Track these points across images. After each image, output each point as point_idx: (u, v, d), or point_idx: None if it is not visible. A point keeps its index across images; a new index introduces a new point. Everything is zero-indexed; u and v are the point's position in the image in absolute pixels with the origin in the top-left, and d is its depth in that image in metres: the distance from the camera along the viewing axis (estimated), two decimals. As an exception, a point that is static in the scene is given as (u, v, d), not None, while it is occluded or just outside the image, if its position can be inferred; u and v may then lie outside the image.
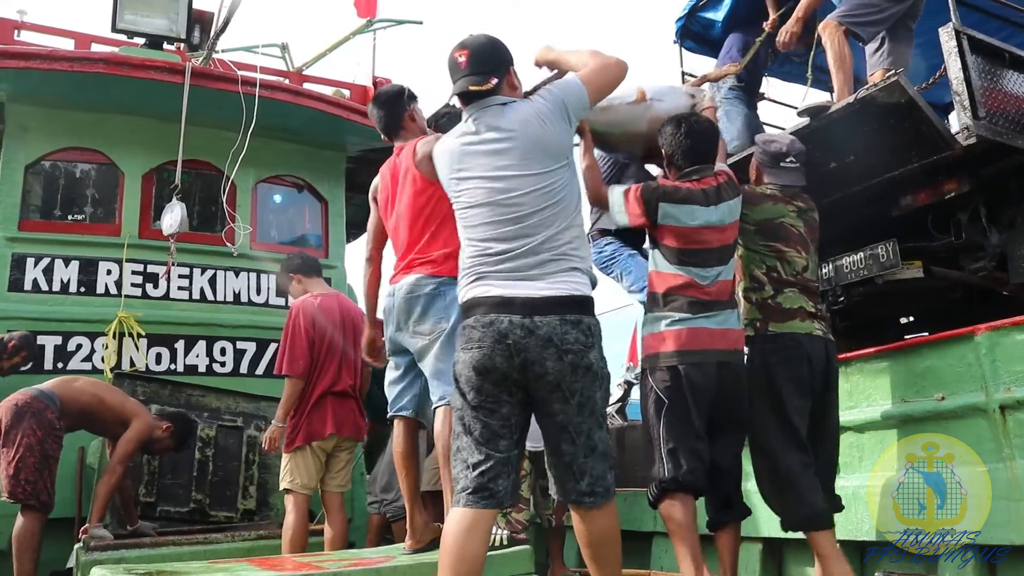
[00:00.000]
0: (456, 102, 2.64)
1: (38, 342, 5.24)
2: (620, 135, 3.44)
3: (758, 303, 3.23)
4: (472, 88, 2.53)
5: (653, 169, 4.10)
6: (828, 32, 4.10)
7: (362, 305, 4.29)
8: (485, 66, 2.54)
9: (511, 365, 2.39)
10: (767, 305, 3.21)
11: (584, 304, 2.48)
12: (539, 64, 2.85)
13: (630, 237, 4.18)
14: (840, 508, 3.17)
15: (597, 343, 2.48)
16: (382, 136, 3.49)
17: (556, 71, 2.79)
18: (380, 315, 3.45)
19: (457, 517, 2.42)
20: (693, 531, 2.98)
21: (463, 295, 2.55)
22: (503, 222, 2.48)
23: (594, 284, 2.63)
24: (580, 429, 2.44)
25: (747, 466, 3.25)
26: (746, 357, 3.21)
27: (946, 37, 3.76)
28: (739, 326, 3.14)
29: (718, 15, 5.31)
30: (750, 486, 3.26)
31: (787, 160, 3.31)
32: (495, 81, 2.53)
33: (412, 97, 3.46)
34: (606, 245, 4.22)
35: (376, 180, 3.48)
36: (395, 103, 3.41)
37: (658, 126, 3.27)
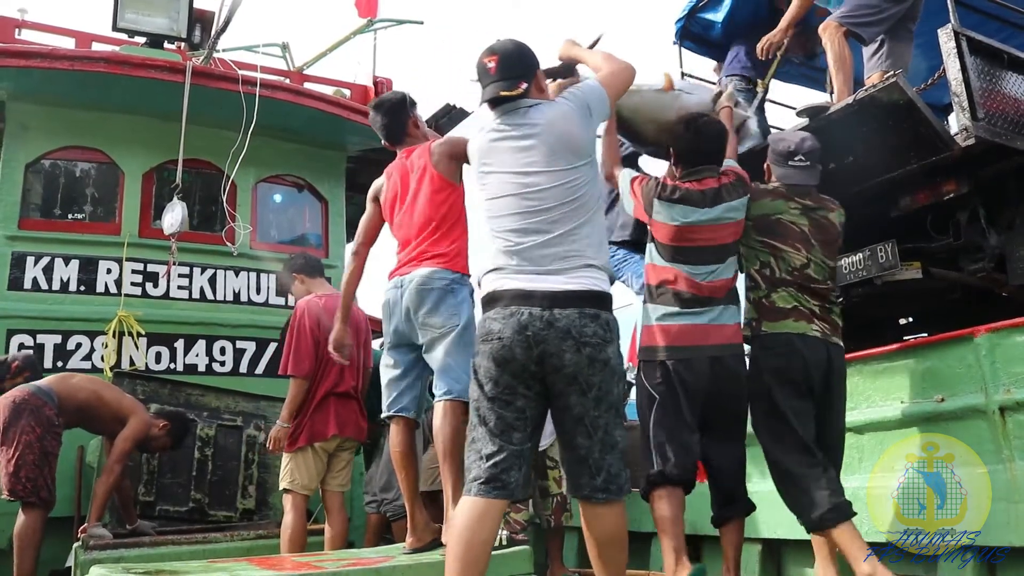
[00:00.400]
0: (486, 107, 2.71)
1: (38, 341, 5.23)
2: (647, 123, 3.45)
3: (754, 302, 3.21)
4: (503, 93, 2.61)
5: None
6: (828, 33, 4.11)
7: (361, 305, 4.30)
8: (514, 71, 2.63)
9: (529, 357, 2.43)
10: (762, 304, 3.18)
11: (603, 299, 2.53)
12: (562, 59, 2.99)
13: (638, 245, 4.17)
14: None
15: (615, 338, 2.52)
16: (384, 142, 3.55)
17: (564, 62, 2.94)
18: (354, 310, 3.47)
19: (468, 506, 2.46)
20: (677, 524, 2.99)
21: (484, 287, 2.60)
22: (525, 214, 2.54)
23: (612, 281, 2.65)
24: (597, 424, 2.47)
25: (749, 467, 3.24)
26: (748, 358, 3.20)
27: (945, 38, 3.76)
28: (734, 322, 3.13)
29: (718, 16, 5.30)
30: (749, 486, 3.25)
31: (796, 159, 3.26)
32: (524, 86, 2.62)
33: (413, 104, 3.53)
34: (617, 249, 4.24)
35: (379, 180, 3.50)
36: (399, 111, 3.48)
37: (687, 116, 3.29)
